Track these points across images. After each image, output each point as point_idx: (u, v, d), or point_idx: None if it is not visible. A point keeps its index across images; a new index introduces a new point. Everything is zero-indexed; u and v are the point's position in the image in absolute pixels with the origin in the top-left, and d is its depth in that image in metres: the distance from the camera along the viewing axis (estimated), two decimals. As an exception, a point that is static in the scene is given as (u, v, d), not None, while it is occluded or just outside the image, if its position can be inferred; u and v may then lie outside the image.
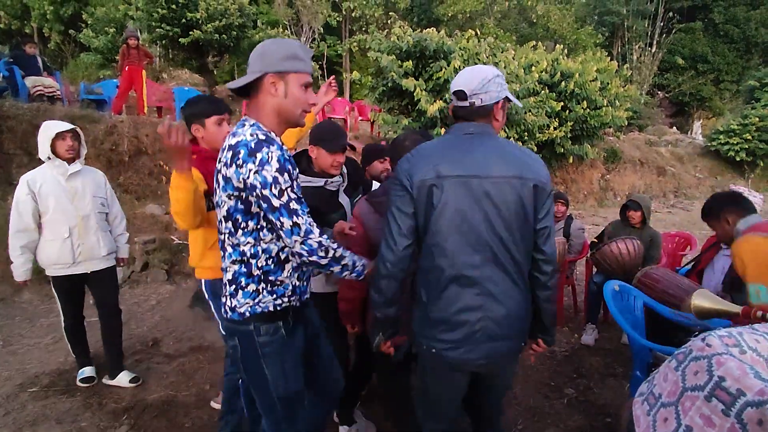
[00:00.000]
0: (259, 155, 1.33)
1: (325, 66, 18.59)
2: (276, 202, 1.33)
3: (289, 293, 1.51)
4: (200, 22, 11.54)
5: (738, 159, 13.44)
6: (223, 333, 2.06)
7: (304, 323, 1.63)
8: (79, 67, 13.89)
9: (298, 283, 1.55)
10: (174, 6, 11.39)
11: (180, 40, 11.84)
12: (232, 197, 1.38)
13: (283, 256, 1.48)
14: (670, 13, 20.44)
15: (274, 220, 1.35)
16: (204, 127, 2.09)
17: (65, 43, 15.34)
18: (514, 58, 9.37)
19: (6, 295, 4.43)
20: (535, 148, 9.12)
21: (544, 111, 8.73)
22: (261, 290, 1.46)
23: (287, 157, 1.42)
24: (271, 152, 1.34)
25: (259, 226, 1.41)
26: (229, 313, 1.49)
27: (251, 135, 1.36)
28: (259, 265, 1.45)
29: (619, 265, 3.42)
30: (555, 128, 9.15)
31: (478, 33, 8.92)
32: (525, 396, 2.85)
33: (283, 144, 1.47)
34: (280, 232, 1.37)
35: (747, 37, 20.01)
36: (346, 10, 18.00)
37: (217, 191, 1.43)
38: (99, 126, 6.15)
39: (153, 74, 14.78)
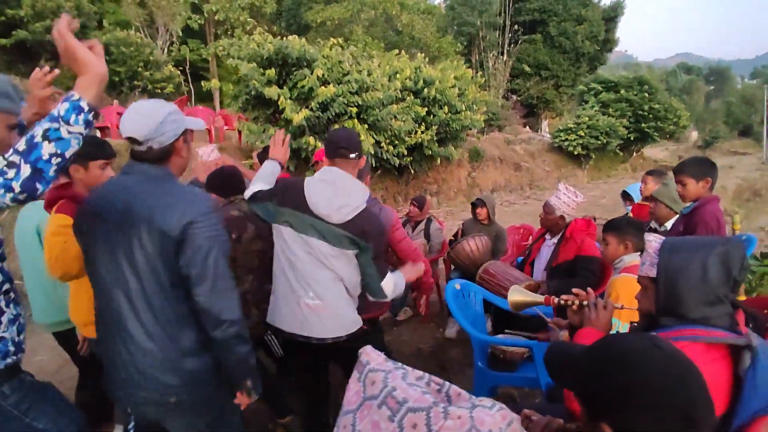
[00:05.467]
0: None
1: (188, 71, 17.40)
2: None
3: (12, 351, 1.33)
4: (26, 20, 10.03)
5: (576, 153, 15.56)
6: None
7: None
8: None
9: (18, 338, 1.37)
10: (-13, 1, 9.77)
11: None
12: None
13: None
14: (516, 26, 22.96)
15: None
16: (86, 170, 1.89)
17: None
18: (379, 66, 9.72)
19: None
20: (406, 152, 9.59)
21: (410, 116, 9.18)
22: None
23: None
24: None
25: None
26: None
27: None
28: None
29: (471, 261, 3.70)
30: (422, 132, 9.70)
31: (348, 40, 9.09)
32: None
33: None
34: None
35: (576, 48, 23.28)
36: (209, 12, 17.03)
37: None
38: None
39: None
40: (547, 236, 3.06)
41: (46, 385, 1.44)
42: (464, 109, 10.52)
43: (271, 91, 6.89)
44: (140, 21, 15.75)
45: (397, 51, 11.05)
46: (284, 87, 7.28)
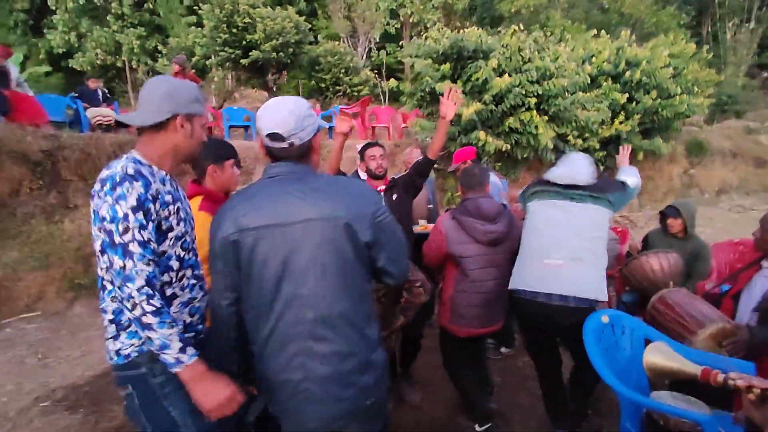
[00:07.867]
0: (119, 189, 1.29)
1: (384, 73, 18.63)
2: (117, 239, 1.26)
3: (181, 330, 1.39)
4: (259, 42, 12.12)
5: None
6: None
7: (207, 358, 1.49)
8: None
9: (190, 320, 1.50)
10: (234, 30, 12.11)
11: (241, 61, 12.55)
12: (101, 230, 1.31)
13: (168, 292, 1.42)
14: (773, -18, 17.88)
15: (109, 256, 1.26)
16: (223, 170, 2.11)
17: (150, 74, 16.89)
18: (572, 50, 8.69)
19: (60, 309, 4.84)
20: (598, 146, 8.37)
21: (605, 104, 7.96)
22: None
23: (156, 196, 1.37)
24: (133, 188, 1.31)
25: None
26: (114, 358, 1.39)
27: (122, 168, 1.34)
28: None
29: (651, 283, 2.92)
30: (620, 123, 8.34)
31: (544, 26, 8.34)
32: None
33: (166, 178, 1.45)
34: (111, 270, 1.27)
35: None
36: (404, 16, 17.92)
37: (93, 225, 1.38)
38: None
39: (225, 95, 15.79)
40: (765, 263, 2.18)
41: None
42: (680, 92, 8.64)
43: (443, 86, 6.78)
44: (346, 32, 17.52)
45: (593, 32, 9.68)
46: (458, 81, 7.09)
